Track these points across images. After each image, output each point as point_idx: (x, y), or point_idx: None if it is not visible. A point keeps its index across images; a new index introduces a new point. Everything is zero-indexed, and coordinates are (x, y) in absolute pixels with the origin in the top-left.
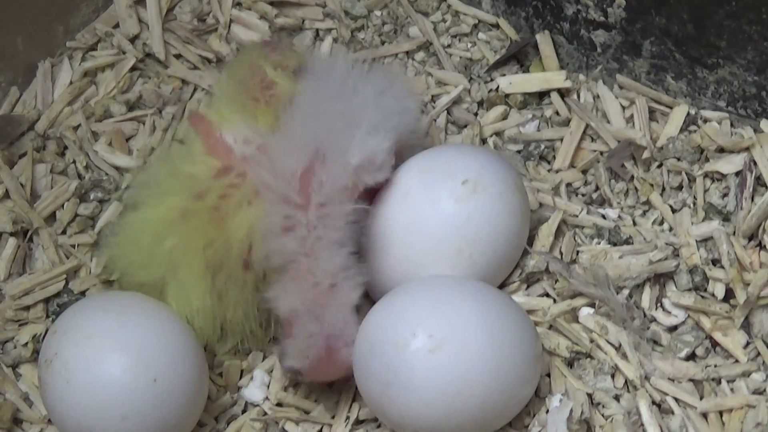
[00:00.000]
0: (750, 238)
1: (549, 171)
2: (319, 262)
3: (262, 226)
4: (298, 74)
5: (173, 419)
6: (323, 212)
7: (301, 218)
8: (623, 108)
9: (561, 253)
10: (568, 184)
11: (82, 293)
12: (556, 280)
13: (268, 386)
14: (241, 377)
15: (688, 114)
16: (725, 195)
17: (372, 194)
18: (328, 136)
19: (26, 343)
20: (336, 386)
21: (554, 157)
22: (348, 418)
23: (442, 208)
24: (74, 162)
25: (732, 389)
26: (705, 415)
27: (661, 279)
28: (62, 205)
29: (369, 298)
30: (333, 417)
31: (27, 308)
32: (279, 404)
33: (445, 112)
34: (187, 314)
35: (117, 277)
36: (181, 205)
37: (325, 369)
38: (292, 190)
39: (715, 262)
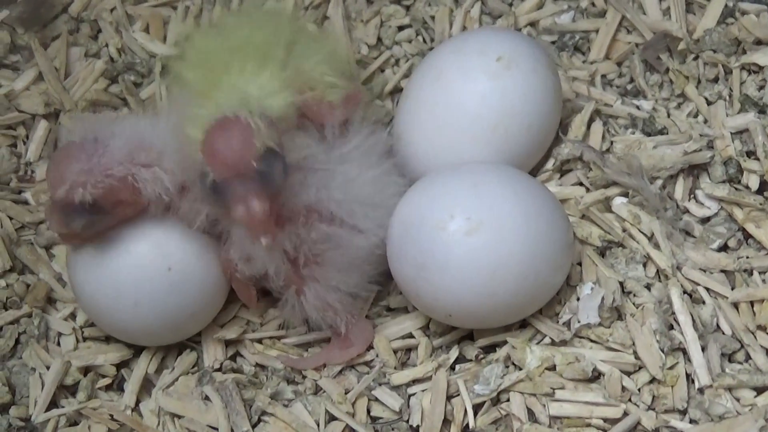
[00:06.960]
0: None
1: (584, 62)
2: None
3: None
4: None
5: (188, 309)
6: None
7: None
8: None
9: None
10: (603, 76)
11: None
12: (590, 169)
13: None
14: None
15: (726, 6)
16: (761, 87)
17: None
18: None
19: None
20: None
21: (589, 48)
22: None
23: (476, 85)
24: (107, 45)
25: (764, 280)
26: (736, 305)
27: (694, 170)
28: (91, 86)
29: None
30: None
31: None
32: None
33: (479, 1)
34: None
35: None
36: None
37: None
38: None
39: (750, 154)
